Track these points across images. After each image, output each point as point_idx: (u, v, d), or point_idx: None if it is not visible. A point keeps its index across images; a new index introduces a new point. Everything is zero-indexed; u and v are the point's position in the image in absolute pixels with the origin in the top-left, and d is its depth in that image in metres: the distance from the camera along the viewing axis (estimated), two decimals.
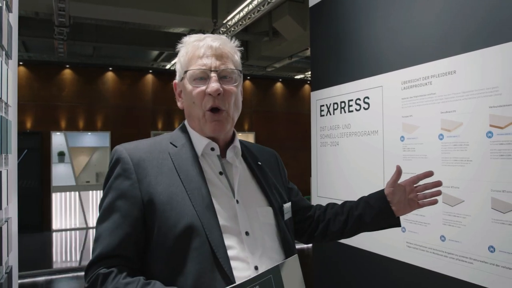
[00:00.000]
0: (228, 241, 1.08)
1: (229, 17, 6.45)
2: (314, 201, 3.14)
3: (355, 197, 1.52)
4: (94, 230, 1.13)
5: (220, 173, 1.19)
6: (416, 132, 2.23)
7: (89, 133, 9.51)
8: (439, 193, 1.41)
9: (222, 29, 6.78)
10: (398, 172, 1.41)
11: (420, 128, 2.20)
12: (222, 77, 1.18)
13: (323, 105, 3.06)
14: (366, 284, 2.59)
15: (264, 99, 11.29)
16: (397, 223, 1.41)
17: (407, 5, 2.31)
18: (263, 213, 1.21)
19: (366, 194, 1.48)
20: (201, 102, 1.16)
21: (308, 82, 11.33)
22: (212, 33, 6.92)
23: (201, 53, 1.17)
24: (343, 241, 2.73)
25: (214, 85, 1.14)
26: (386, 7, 2.45)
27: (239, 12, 6.05)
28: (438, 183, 1.42)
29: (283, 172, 1.45)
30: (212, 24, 6.73)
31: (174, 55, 9.10)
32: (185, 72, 1.18)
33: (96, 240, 1.09)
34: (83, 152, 9.46)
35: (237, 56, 1.27)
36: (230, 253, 1.07)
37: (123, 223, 1.08)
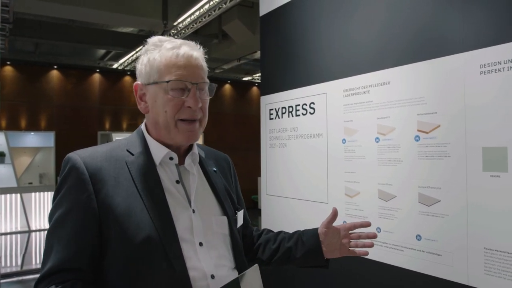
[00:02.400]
0: (185, 252, 1.08)
1: (179, 20, 6.54)
2: (264, 198, 3.34)
3: (301, 195, 1.71)
4: (46, 239, 1.07)
5: (177, 181, 1.18)
6: (355, 136, 2.48)
7: (32, 133, 9.22)
8: (371, 244, 1.41)
9: (173, 31, 6.85)
10: (334, 214, 1.40)
11: (359, 131, 2.46)
12: (200, 89, 1.19)
13: (272, 109, 3.27)
14: (306, 276, 2.82)
15: (212, 101, 11.31)
16: (324, 265, 1.41)
17: (348, 21, 2.56)
18: (218, 222, 1.21)
19: (311, 192, 1.66)
20: (175, 113, 1.15)
21: (256, 84, 11.58)
22: (162, 34, 6.99)
23: (180, 63, 1.15)
24: None
25: (195, 99, 1.14)
26: (330, 22, 2.69)
27: (189, 16, 6.15)
28: (373, 235, 1.42)
29: (234, 178, 1.46)
30: (162, 25, 6.79)
31: (122, 54, 9.05)
32: (165, 81, 1.15)
33: (47, 253, 1.05)
34: (25, 153, 9.16)
35: (205, 65, 1.27)
36: (187, 264, 1.07)
37: (78, 236, 1.04)
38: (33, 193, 8.98)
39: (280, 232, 1.49)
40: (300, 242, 1.40)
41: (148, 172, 1.13)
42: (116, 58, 9.51)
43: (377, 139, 2.35)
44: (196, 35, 8.40)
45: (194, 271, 1.07)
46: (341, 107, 2.60)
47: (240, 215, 1.34)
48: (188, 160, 1.22)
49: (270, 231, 1.52)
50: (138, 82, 1.22)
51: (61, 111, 9.46)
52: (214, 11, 5.56)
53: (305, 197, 2.83)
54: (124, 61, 9.26)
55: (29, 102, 9.16)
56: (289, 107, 3.08)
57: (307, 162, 2.87)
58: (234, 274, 1.17)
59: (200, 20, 6.01)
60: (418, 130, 2.12)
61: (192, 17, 6.15)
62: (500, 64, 1.80)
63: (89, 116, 9.80)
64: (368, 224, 1.43)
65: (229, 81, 11.50)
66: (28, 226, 8.85)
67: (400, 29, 2.24)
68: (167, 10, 6.71)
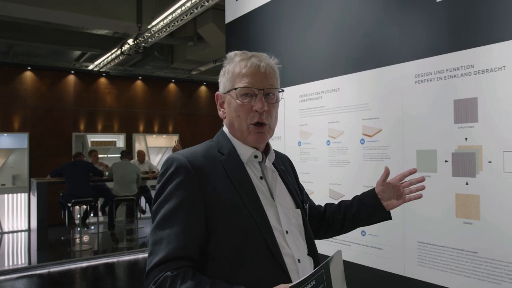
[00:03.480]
0: (277, 239, 1.20)
1: (153, 23, 6.62)
2: None
3: None
4: (153, 232, 1.16)
5: (261, 177, 1.29)
6: (310, 138, 2.65)
7: (5, 134, 9.14)
8: (423, 187, 1.53)
9: (147, 34, 6.93)
10: (387, 172, 1.52)
11: (313, 135, 2.62)
12: (266, 94, 1.28)
13: None
14: None
15: (188, 102, 11.49)
16: (388, 217, 1.55)
17: (303, 32, 2.72)
18: (294, 214, 1.33)
19: None
20: (246, 117, 1.25)
21: None
22: (136, 37, 7.08)
23: (248, 72, 1.26)
24: None
25: (260, 103, 1.24)
26: (288, 31, 2.86)
27: (163, 19, 6.24)
28: (422, 179, 1.54)
29: (295, 175, 1.58)
30: (136, 28, 6.85)
31: (98, 55, 9.05)
32: (235, 89, 1.27)
33: (157, 243, 1.13)
34: None
35: (277, 74, 1.37)
36: (281, 250, 1.19)
37: (189, 226, 1.13)
38: (6, 195, 8.91)
39: (340, 203, 1.61)
40: (362, 206, 1.53)
41: (239, 169, 1.25)
42: (92, 59, 9.50)
43: (328, 142, 2.52)
44: (172, 37, 8.47)
45: (287, 257, 1.19)
46: (297, 112, 2.76)
47: (307, 208, 1.46)
48: (267, 159, 1.33)
49: (332, 204, 1.65)
50: (218, 92, 1.36)
51: (35, 112, 9.41)
52: (187, 15, 5.67)
53: None
54: (100, 63, 9.26)
55: (2, 103, 9.08)
56: None
57: None
58: (311, 260, 1.30)
59: (173, 24, 6.10)
60: (363, 134, 2.30)
61: (165, 21, 6.23)
62: (431, 74, 1.99)
63: (63, 117, 9.76)
64: (415, 170, 1.54)
65: (205, 83, 11.61)
66: (1, 227, 8.78)
67: (347, 40, 2.41)
68: (141, 13, 6.78)
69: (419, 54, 2.04)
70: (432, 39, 1.99)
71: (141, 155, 8.86)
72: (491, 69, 1.77)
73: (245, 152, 1.28)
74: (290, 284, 0.96)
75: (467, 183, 1.85)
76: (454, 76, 1.90)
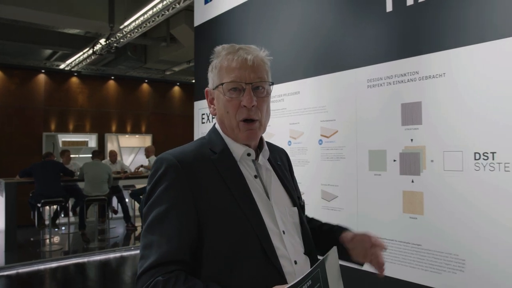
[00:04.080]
0: (273, 241, 1.14)
1: (126, 23, 6.63)
2: None
3: None
4: (144, 235, 1.11)
5: (255, 176, 1.23)
6: (273, 139, 2.76)
7: None
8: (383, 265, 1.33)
9: (119, 34, 6.93)
10: (368, 237, 1.31)
11: (275, 135, 2.74)
12: (255, 88, 1.21)
13: (204, 114, 3.51)
14: None
15: (162, 102, 11.49)
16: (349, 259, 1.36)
17: (268, 37, 2.84)
18: (291, 213, 1.26)
19: None
20: (235, 113, 1.19)
21: None
22: (109, 37, 7.07)
23: (235, 66, 1.20)
24: None
25: (248, 97, 1.17)
26: (253, 35, 2.97)
27: (136, 19, 6.27)
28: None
29: (291, 170, 1.50)
30: (108, 28, 6.85)
31: (69, 54, 8.97)
32: (221, 84, 1.21)
33: (148, 247, 1.08)
34: None
35: (267, 66, 1.29)
36: (277, 252, 1.13)
37: (181, 229, 1.09)
38: None
39: (321, 228, 1.46)
40: (329, 236, 1.37)
41: (232, 168, 1.19)
42: (63, 58, 9.41)
43: (289, 143, 2.64)
44: (145, 37, 8.48)
45: (283, 259, 1.13)
46: None
47: (303, 205, 1.39)
48: (261, 156, 1.27)
49: (316, 221, 1.52)
50: (207, 88, 1.30)
51: (4, 111, 9.24)
52: (159, 16, 5.72)
53: None
54: (71, 62, 9.18)
55: None
56: None
57: None
58: (307, 259, 1.23)
59: (144, 25, 6.14)
60: (321, 135, 2.43)
61: (138, 21, 6.27)
62: (382, 79, 2.13)
63: (34, 116, 9.62)
64: (384, 247, 1.33)
65: (178, 83, 11.62)
66: None
67: (307, 46, 2.54)
68: (114, 13, 6.79)
69: (371, 60, 2.18)
70: (383, 46, 2.13)
71: (113, 155, 8.83)
72: (433, 75, 1.92)
73: (237, 150, 1.22)
74: (287, 286, 0.91)
75: (412, 181, 2.00)
76: (402, 81, 2.04)
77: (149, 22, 5.99)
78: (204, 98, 3.35)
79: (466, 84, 1.81)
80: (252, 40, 2.96)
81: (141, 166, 8.99)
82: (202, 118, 3.54)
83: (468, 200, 1.79)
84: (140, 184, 8.63)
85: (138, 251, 6.47)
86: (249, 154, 1.23)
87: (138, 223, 8.40)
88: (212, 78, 1.27)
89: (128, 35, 6.78)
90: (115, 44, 7.29)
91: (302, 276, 0.95)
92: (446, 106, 1.87)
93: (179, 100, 11.66)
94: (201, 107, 3.56)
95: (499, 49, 1.71)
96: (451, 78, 1.86)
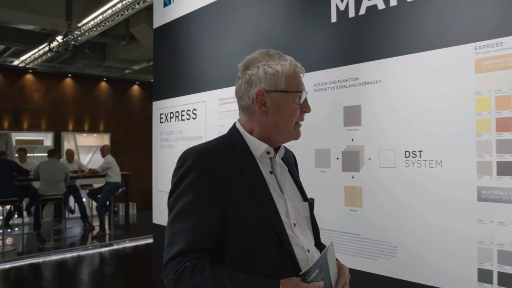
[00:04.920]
0: (287, 231, 1.23)
1: (84, 21, 6.59)
2: (155, 195, 3.67)
3: None
4: (171, 224, 1.20)
5: (271, 172, 1.31)
6: None
7: None
8: None
9: (77, 32, 6.87)
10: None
11: None
12: None
13: (162, 114, 3.62)
14: None
15: (120, 101, 11.39)
16: None
17: (223, 41, 2.98)
18: (302, 207, 1.36)
19: None
20: (295, 116, 1.31)
21: None
22: (66, 34, 6.99)
23: (298, 76, 1.32)
24: None
25: (309, 106, 1.35)
26: (210, 39, 3.11)
27: (94, 18, 6.25)
28: None
29: (297, 169, 1.61)
30: (66, 25, 6.78)
31: (23, 51, 8.73)
32: (295, 91, 1.29)
33: (175, 235, 1.16)
34: None
35: None
36: (291, 241, 1.22)
37: (208, 219, 1.16)
38: None
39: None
40: None
41: (251, 164, 1.26)
42: (17, 55, 9.16)
43: None
44: (104, 35, 8.41)
45: (297, 247, 1.23)
46: (217, 114, 3.02)
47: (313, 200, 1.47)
48: (277, 154, 1.35)
49: None
50: (261, 89, 1.29)
51: None
52: (117, 16, 5.74)
53: None
54: (26, 59, 8.96)
55: None
56: (176, 112, 3.44)
57: None
58: (317, 251, 1.33)
59: (104, 24, 6.13)
60: None
61: (96, 20, 6.25)
62: (327, 84, 2.32)
63: None
64: None
65: (138, 82, 11.55)
66: None
67: (258, 48, 2.70)
68: (71, 10, 6.72)
69: (318, 66, 2.36)
70: (328, 54, 2.32)
71: (70, 154, 8.71)
72: (371, 81, 2.13)
73: (259, 147, 1.29)
74: (301, 272, 1.07)
75: (353, 177, 2.20)
76: (344, 86, 2.24)
77: (108, 21, 5.99)
78: (162, 98, 3.46)
79: (398, 90, 2.03)
80: (209, 44, 3.10)
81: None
82: (161, 118, 3.64)
83: (399, 193, 2.01)
84: (98, 184, 8.54)
85: (95, 250, 6.48)
86: (268, 152, 1.30)
87: (95, 223, 8.33)
88: (273, 81, 1.28)
89: (86, 33, 6.74)
90: (72, 42, 7.21)
91: (310, 266, 1.11)
92: (381, 110, 2.09)
93: (139, 99, 11.59)
94: (159, 107, 3.66)
95: (426, 60, 1.94)
96: (386, 85, 2.07)
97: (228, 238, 1.18)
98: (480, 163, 1.78)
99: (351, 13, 2.22)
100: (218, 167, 1.20)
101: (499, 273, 1.73)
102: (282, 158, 1.40)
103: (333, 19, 2.30)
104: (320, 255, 1.17)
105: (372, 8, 2.14)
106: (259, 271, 1.16)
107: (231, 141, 1.31)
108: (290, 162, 1.47)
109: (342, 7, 2.26)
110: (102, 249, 6.79)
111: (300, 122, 1.34)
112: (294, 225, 1.27)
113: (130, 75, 10.87)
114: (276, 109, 1.28)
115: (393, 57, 2.05)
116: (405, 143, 2.00)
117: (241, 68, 1.35)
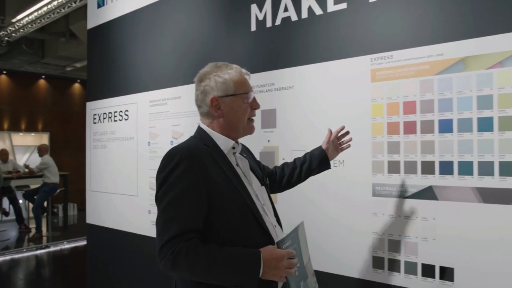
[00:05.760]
0: (260, 211, 1.46)
1: (18, 17, 6.41)
2: (88, 195, 3.69)
3: (118, 190, 2.11)
4: (162, 213, 1.34)
5: (236, 164, 1.52)
6: (157, 139, 3.01)
7: None
8: (350, 139, 1.94)
9: (11, 28, 6.66)
10: (330, 132, 1.91)
11: (160, 136, 2.99)
12: None
13: (95, 114, 3.64)
14: (128, 263, 3.27)
15: (61, 99, 11.08)
16: (329, 167, 1.92)
17: (155, 44, 3.08)
18: (263, 191, 1.60)
19: (125, 187, 2.04)
20: (247, 114, 1.52)
21: None
22: None
23: (245, 79, 1.53)
24: (110, 226, 3.37)
25: (258, 102, 1.57)
26: (142, 43, 3.19)
27: (29, 15, 6.09)
28: (347, 132, 1.94)
29: (254, 157, 1.83)
30: None
31: None
32: (242, 93, 1.49)
33: (169, 221, 1.32)
34: None
35: None
36: (264, 218, 1.45)
37: (196, 206, 1.34)
38: None
39: (295, 160, 1.94)
40: (315, 160, 1.89)
41: (223, 158, 1.46)
42: None
43: (171, 142, 2.90)
44: (43, 31, 8.18)
45: (267, 224, 1.45)
46: (147, 115, 3.10)
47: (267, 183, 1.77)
48: (239, 149, 1.56)
49: (286, 163, 1.96)
50: (214, 96, 1.47)
51: None
52: (54, 14, 5.63)
53: (121, 191, 3.28)
54: None
55: None
56: (109, 113, 3.49)
57: (122, 161, 3.32)
58: (278, 226, 1.56)
59: (39, 21, 5.99)
60: None
61: (32, 16, 6.09)
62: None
63: None
64: (343, 127, 1.93)
65: (79, 80, 11.28)
66: None
67: (186, 54, 2.82)
68: (5, 5, 6.51)
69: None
70: (248, 60, 2.48)
71: (4, 154, 8.39)
72: (285, 87, 2.31)
73: (227, 144, 1.49)
74: (277, 240, 1.33)
75: None
76: (262, 91, 2.41)
77: (44, 18, 5.86)
78: (95, 99, 3.49)
79: (307, 96, 2.22)
80: (140, 47, 3.18)
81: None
82: (94, 119, 3.66)
83: (308, 191, 2.20)
84: (34, 184, 8.28)
85: (31, 253, 6.29)
86: (233, 147, 1.52)
87: (32, 225, 8.07)
88: (224, 88, 1.47)
89: (21, 30, 6.55)
90: (6, 38, 6.97)
91: (285, 235, 1.34)
92: (293, 113, 2.27)
93: (80, 98, 11.30)
94: (93, 107, 3.68)
95: (331, 69, 2.14)
96: (297, 90, 2.26)
97: (214, 220, 1.37)
98: (375, 163, 2.00)
99: (269, 23, 2.39)
100: (200, 162, 1.38)
101: (389, 260, 1.95)
102: (240, 152, 1.61)
103: (253, 27, 2.46)
104: (293, 229, 1.39)
105: (286, 20, 2.32)
106: (241, 244, 1.35)
107: (204, 140, 1.49)
108: (245, 155, 1.65)
109: (261, 17, 2.43)
110: (38, 252, 6.61)
111: (252, 118, 1.55)
112: (264, 205, 1.51)
113: (72, 73, 10.59)
114: (230, 110, 1.49)
115: (304, 65, 2.24)
116: (313, 144, 2.17)
117: (196, 81, 1.55)
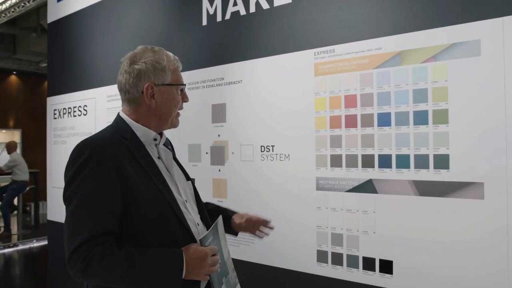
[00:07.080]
0: (181, 208, 1.36)
1: None
2: (49, 191, 3.64)
3: None
4: (72, 215, 1.21)
5: (158, 157, 1.42)
6: None
7: None
8: (268, 234, 1.75)
9: None
10: (261, 219, 1.72)
11: None
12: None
13: (56, 109, 3.59)
14: None
15: (33, 96, 10.89)
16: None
17: (113, 37, 3.04)
18: (188, 186, 1.50)
19: None
20: (178, 106, 1.44)
21: None
22: None
23: (179, 70, 1.44)
24: None
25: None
26: (101, 35, 3.14)
27: None
28: (271, 228, 1.76)
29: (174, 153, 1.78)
30: None
31: None
32: (178, 84, 1.41)
33: (78, 224, 1.19)
34: None
35: None
36: (186, 216, 1.35)
37: (109, 205, 1.22)
38: None
39: (213, 208, 1.73)
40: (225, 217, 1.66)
41: (142, 151, 1.35)
42: None
43: None
44: (14, 26, 8.02)
45: (189, 221, 1.35)
46: (105, 110, 3.07)
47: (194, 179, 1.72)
48: (163, 141, 1.46)
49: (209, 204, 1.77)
50: (149, 82, 1.36)
51: None
52: (18, 8, 5.53)
53: None
54: None
55: None
56: (68, 108, 3.44)
57: None
58: (202, 223, 1.46)
59: (4, 15, 5.87)
60: None
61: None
62: (198, 83, 2.47)
63: None
64: (270, 221, 1.76)
65: None
66: None
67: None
68: None
69: (192, 66, 2.50)
70: (199, 54, 2.47)
71: None
72: (234, 81, 2.30)
73: (147, 135, 1.37)
74: (199, 238, 1.26)
75: (219, 170, 2.36)
76: (212, 85, 2.40)
77: (9, 12, 5.75)
78: (55, 94, 3.43)
79: (255, 90, 2.22)
80: (98, 41, 3.14)
81: None
82: (54, 114, 3.61)
83: (255, 185, 2.21)
84: (3, 182, 8.14)
85: None
86: (155, 139, 1.41)
87: (1, 223, 7.93)
88: (161, 76, 1.37)
89: None
90: None
91: (207, 232, 1.29)
92: (242, 108, 2.27)
93: None
94: (53, 102, 3.62)
95: (277, 62, 2.14)
96: (246, 85, 2.26)
97: (132, 219, 1.25)
98: (318, 156, 2.01)
99: (219, 17, 2.38)
100: (113, 157, 1.25)
101: (332, 253, 1.97)
102: (164, 144, 1.51)
103: (204, 22, 2.45)
104: (212, 225, 1.35)
105: (235, 14, 2.31)
106: (161, 245, 1.26)
107: (122, 131, 1.36)
108: (169, 147, 1.58)
109: (211, 11, 2.42)
110: (6, 250, 6.51)
111: (179, 111, 1.46)
112: (186, 201, 1.40)
113: (45, 69, 10.42)
114: (164, 100, 1.38)
115: (252, 60, 2.23)
116: (261, 138, 2.19)
117: (127, 63, 1.40)
